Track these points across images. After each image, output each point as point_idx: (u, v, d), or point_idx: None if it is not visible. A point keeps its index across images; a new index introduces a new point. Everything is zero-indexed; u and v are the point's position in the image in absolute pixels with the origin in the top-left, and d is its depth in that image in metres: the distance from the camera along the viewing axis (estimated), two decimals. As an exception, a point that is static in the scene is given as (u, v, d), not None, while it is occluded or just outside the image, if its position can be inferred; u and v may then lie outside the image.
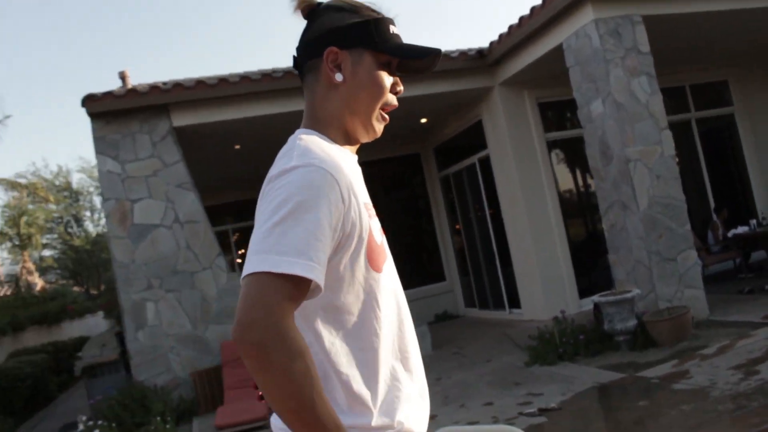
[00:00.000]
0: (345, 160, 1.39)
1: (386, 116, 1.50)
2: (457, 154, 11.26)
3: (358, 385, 1.34)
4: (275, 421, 1.42)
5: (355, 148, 1.53)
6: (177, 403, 7.65)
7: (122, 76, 9.17)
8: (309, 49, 1.47)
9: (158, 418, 6.69)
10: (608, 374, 5.95)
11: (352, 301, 1.34)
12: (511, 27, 8.44)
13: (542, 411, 5.26)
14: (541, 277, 9.20)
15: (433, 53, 1.48)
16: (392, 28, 1.47)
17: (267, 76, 8.25)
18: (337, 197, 1.26)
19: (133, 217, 7.96)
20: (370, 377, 1.36)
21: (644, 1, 7.59)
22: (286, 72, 8.27)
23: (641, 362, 6.15)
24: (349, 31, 1.43)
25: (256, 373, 1.15)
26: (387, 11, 1.51)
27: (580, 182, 10.22)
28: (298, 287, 1.19)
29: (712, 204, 10.69)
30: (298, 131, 1.45)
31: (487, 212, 10.45)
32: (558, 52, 8.06)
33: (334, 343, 1.33)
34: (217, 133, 8.82)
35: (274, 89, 8.27)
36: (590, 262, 9.64)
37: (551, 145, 9.70)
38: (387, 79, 1.47)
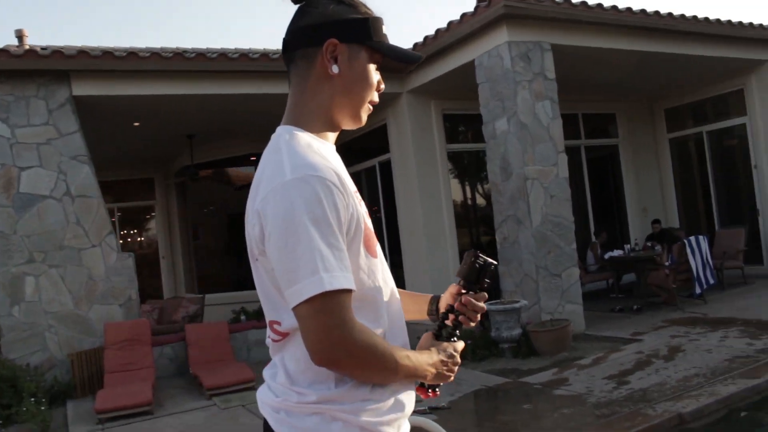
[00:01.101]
0: (331, 155, 1.43)
1: (371, 108, 1.55)
2: (358, 155, 11.41)
3: None
4: (262, 396, 1.48)
5: (335, 135, 1.55)
6: (51, 385, 7.30)
7: (19, 35, 8.68)
8: (306, 36, 1.46)
9: (32, 400, 6.37)
10: (494, 378, 6.28)
11: (361, 288, 1.38)
12: (426, 38, 8.69)
13: (432, 409, 5.44)
14: (431, 282, 9.49)
15: (418, 60, 1.56)
16: (384, 28, 1.52)
17: (178, 55, 8.06)
18: (340, 201, 1.30)
19: (19, 185, 7.53)
20: None
21: (555, 30, 8.04)
22: (198, 53, 8.12)
23: (524, 369, 6.53)
24: (351, 25, 1.46)
25: (360, 377, 1.35)
26: (375, 11, 1.54)
27: (476, 194, 10.64)
28: (348, 297, 1.28)
29: (593, 226, 11.44)
30: (282, 128, 1.45)
31: (383, 215, 10.66)
32: (469, 67, 8.39)
33: None
34: (119, 108, 8.52)
35: (186, 69, 8.08)
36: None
37: (452, 156, 10.05)
38: (376, 76, 1.52)
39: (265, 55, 8.38)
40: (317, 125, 1.47)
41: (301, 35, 1.47)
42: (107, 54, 7.73)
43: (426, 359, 1.45)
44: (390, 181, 10.27)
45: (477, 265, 1.59)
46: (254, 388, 6.97)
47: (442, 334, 1.56)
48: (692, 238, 9.01)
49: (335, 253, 1.26)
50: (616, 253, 10.14)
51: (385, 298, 1.46)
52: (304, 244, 1.24)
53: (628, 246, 10.38)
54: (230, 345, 8.24)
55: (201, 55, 8.07)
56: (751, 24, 10.00)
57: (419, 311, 1.79)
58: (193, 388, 7.35)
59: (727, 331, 7.12)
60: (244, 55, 8.22)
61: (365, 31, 1.47)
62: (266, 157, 1.40)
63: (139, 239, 14.03)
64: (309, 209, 1.25)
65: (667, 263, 9.00)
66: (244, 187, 12.09)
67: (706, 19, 9.32)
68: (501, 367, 6.70)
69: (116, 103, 8.25)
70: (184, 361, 8.11)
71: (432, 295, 1.81)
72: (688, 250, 8.83)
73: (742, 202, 11.56)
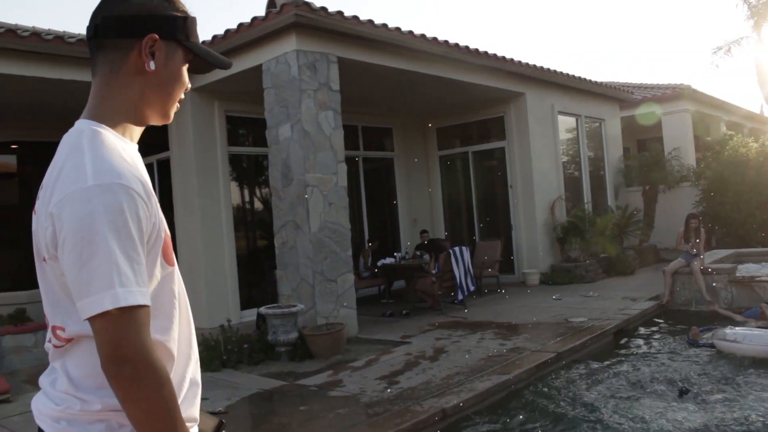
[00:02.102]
0: (136, 158, 1.40)
1: (179, 105, 1.53)
2: (135, 151, 10.83)
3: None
4: (39, 405, 1.41)
5: (140, 130, 1.51)
6: None
7: None
8: (124, 27, 1.39)
9: None
10: (271, 382, 6.30)
11: (155, 297, 1.34)
12: (215, 37, 8.54)
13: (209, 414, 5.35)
14: (207, 284, 9.30)
15: (229, 66, 1.58)
16: (197, 29, 1.51)
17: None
18: (143, 211, 1.27)
19: None
20: (176, 373, 1.43)
21: (342, 44, 8.31)
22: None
23: (300, 372, 6.64)
24: (172, 22, 1.42)
25: (130, 403, 1.22)
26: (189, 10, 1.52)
27: (254, 199, 10.61)
28: (144, 313, 1.24)
29: (367, 234, 11.94)
30: (84, 123, 1.38)
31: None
32: (256, 71, 8.38)
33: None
34: None
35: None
36: (255, 275, 10.03)
37: (233, 159, 9.94)
38: (187, 76, 1.51)
39: (36, 34, 7.65)
40: (121, 121, 1.42)
41: (118, 24, 1.40)
42: None
43: None
44: (168, 180, 9.90)
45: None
46: (8, 401, 6.31)
47: None
48: (456, 249, 9.78)
49: (134, 267, 1.23)
50: (388, 260, 10.69)
51: (178, 308, 1.43)
52: (101, 256, 1.20)
53: (399, 254, 10.99)
54: (-22, 353, 7.39)
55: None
56: (512, 59, 11.12)
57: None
58: (-72, 402, 6.49)
59: (483, 333, 7.82)
60: (11, 31, 7.45)
61: (184, 30, 1.45)
62: (64, 155, 1.32)
63: None
64: (110, 219, 1.21)
65: (433, 271, 9.67)
66: (2, 177, 10.93)
67: (477, 50, 10.20)
68: (277, 371, 6.75)
69: None
70: None
71: (219, 419, 1.73)
72: (453, 260, 9.57)
73: (499, 216, 12.79)
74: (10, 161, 10.81)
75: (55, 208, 1.24)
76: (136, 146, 1.47)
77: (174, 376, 1.39)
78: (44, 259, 1.33)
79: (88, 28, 1.43)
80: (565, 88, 13.06)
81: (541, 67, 11.96)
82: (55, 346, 1.38)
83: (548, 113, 12.68)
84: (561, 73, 12.55)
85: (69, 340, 1.34)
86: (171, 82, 1.46)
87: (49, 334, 1.40)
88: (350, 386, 5.94)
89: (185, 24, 1.45)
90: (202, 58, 1.50)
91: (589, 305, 9.18)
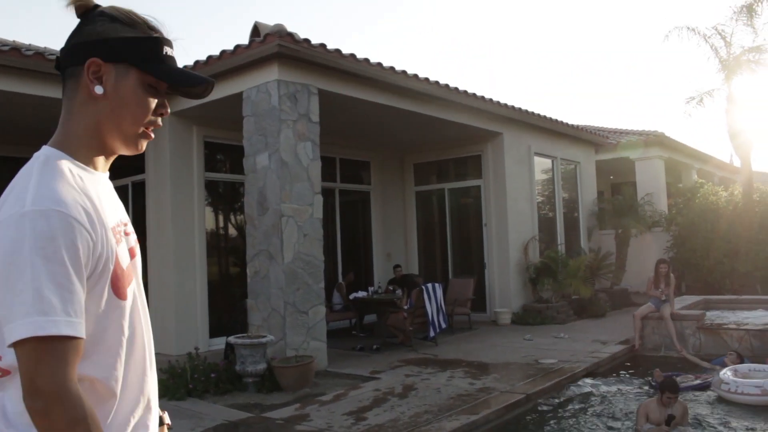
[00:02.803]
0: (91, 187, 1.35)
1: (151, 134, 1.45)
2: (111, 172, 10.71)
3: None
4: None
5: (108, 163, 1.47)
6: None
7: None
8: (73, 54, 1.38)
9: None
10: (236, 413, 6.18)
11: (98, 332, 1.29)
12: (197, 62, 8.53)
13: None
14: (176, 311, 9.16)
15: (202, 83, 1.46)
16: (167, 50, 1.42)
17: None
18: (82, 240, 1.23)
19: None
20: (118, 414, 1.36)
21: (323, 76, 8.36)
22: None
23: (267, 404, 6.53)
24: (118, 44, 1.37)
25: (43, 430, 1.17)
26: (168, 32, 1.46)
27: (228, 225, 10.53)
28: (70, 345, 1.18)
29: (341, 267, 11.88)
30: (44, 149, 1.36)
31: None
32: (236, 99, 8.38)
33: (81, 379, 1.25)
34: None
35: None
36: (226, 303, 9.90)
37: (209, 185, 9.88)
38: (150, 101, 1.41)
39: (16, 49, 7.59)
40: (84, 151, 1.39)
41: (70, 53, 1.39)
42: None
43: None
44: (143, 202, 9.79)
45: None
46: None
47: None
48: (429, 285, 9.76)
49: (64, 295, 1.17)
50: (360, 294, 10.63)
51: (126, 346, 1.36)
52: (25, 282, 1.16)
53: (372, 288, 10.93)
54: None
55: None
56: (491, 99, 11.26)
57: None
58: None
59: (453, 371, 7.77)
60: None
61: (135, 52, 1.38)
62: (17, 179, 1.29)
63: None
64: (40, 246, 1.17)
65: (405, 307, 9.63)
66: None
67: (456, 89, 10.32)
68: (244, 402, 6.62)
69: None
70: None
71: (160, 415, 1.61)
72: (425, 296, 9.54)
73: (473, 254, 12.82)
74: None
75: None
76: (104, 175, 1.45)
77: (115, 417, 1.34)
78: None
79: (55, 62, 1.44)
80: (542, 130, 13.24)
81: (520, 109, 12.12)
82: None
83: (525, 154, 12.82)
84: (539, 115, 12.73)
85: (7, 372, 1.27)
86: (125, 107, 1.38)
87: None
88: (317, 421, 5.84)
89: (137, 45, 1.38)
90: (161, 78, 1.41)
91: (560, 347, 9.19)
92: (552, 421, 6.28)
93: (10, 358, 1.23)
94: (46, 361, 1.15)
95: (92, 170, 1.39)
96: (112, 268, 1.31)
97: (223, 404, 6.55)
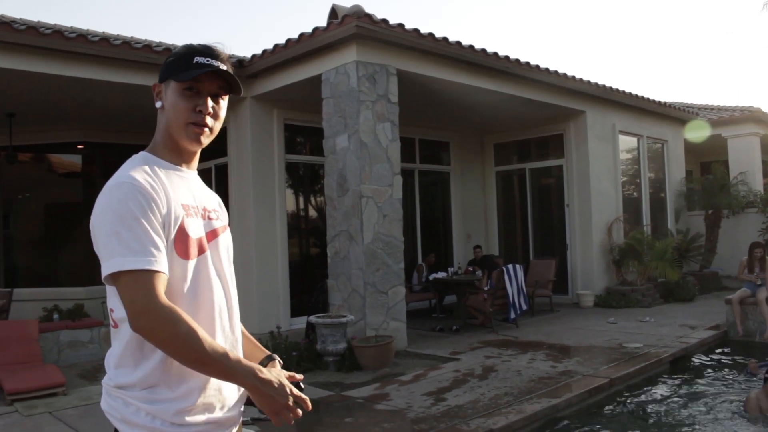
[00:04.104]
0: (166, 174, 1.72)
1: (198, 129, 1.77)
2: (195, 155, 11.02)
3: None
4: (104, 406, 1.68)
5: (191, 159, 1.86)
6: None
7: None
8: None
9: None
10: (317, 391, 6.29)
11: (171, 277, 1.62)
12: (276, 46, 8.63)
13: (255, 420, 5.36)
14: (258, 291, 9.37)
15: (205, 69, 1.73)
16: (198, 59, 1.74)
17: (5, 24, 7.32)
18: (152, 200, 1.60)
19: None
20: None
21: (401, 56, 8.31)
22: (29, 26, 7.46)
23: (347, 383, 6.61)
24: (164, 68, 1.80)
25: (159, 346, 1.53)
26: (223, 49, 1.82)
27: (308, 207, 10.67)
28: (151, 275, 1.53)
29: (420, 248, 11.86)
30: (138, 152, 1.79)
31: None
32: (315, 81, 8.44)
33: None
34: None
35: (13, 42, 7.28)
36: (306, 283, 10.06)
37: (289, 166, 10.02)
38: (187, 101, 1.76)
39: (105, 39, 7.88)
40: (164, 150, 1.80)
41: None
42: None
43: (250, 369, 1.58)
44: (225, 185, 10.03)
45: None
46: (64, 393, 6.46)
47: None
48: (510, 266, 9.62)
49: (139, 239, 1.54)
50: (440, 274, 10.59)
51: (185, 300, 1.65)
52: (109, 233, 1.54)
53: (452, 269, 10.87)
54: (39, 346, 7.53)
55: (32, 28, 7.40)
56: (573, 77, 10.94)
57: (250, 359, 1.85)
58: (-10, 392, 6.69)
59: (534, 354, 7.66)
60: (82, 36, 7.68)
61: (172, 69, 1.77)
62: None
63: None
64: (120, 205, 1.56)
65: (486, 288, 9.53)
66: (68, 176, 11.27)
67: (537, 66, 10.08)
68: (325, 380, 6.73)
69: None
70: (-17, 362, 7.36)
71: (269, 353, 2.00)
72: (506, 278, 9.42)
73: (554, 236, 12.56)
74: (75, 161, 11.14)
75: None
76: (190, 171, 1.86)
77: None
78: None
79: None
80: (627, 107, 12.79)
81: (603, 86, 11.74)
82: (112, 327, 1.68)
83: (609, 132, 12.43)
84: (623, 91, 12.30)
85: (116, 325, 1.66)
86: (171, 112, 1.77)
87: (109, 315, 1.70)
88: (397, 400, 5.87)
89: (174, 63, 1.77)
90: (176, 80, 1.75)
91: (646, 331, 8.90)
92: (637, 408, 6.10)
93: (119, 313, 1.61)
94: (135, 288, 1.51)
95: (177, 167, 1.80)
96: (175, 231, 1.65)
97: (305, 382, 6.66)
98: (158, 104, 1.80)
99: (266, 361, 1.91)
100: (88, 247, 1.77)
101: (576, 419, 5.63)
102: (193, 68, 1.73)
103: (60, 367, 7.27)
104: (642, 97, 12.91)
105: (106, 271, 1.53)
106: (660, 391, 6.60)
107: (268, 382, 1.58)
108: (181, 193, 1.72)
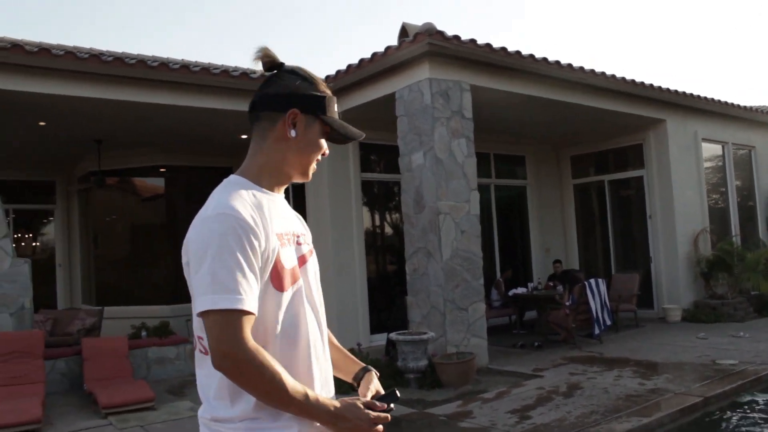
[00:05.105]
0: (263, 202, 1.66)
1: (316, 167, 1.81)
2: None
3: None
4: (202, 413, 1.63)
5: (283, 187, 1.80)
6: None
7: None
8: (273, 102, 1.73)
9: None
10: (400, 408, 6.26)
11: (262, 312, 1.56)
12: (350, 66, 8.75)
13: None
14: (338, 308, 9.44)
15: (359, 138, 1.82)
16: (336, 107, 1.80)
17: (95, 57, 7.74)
18: (253, 235, 1.53)
19: None
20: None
21: (474, 71, 8.29)
22: (116, 58, 7.84)
23: (429, 400, 6.57)
24: (311, 100, 1.74)
25: (242, 387, 1.50)
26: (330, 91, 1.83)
27: (384, 224, 10.72)
28: (240, 316, 1.48)
29: (498, 263, 11.73)
30: (229, 177, 1.71)
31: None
32: (389, 99, 8.51)
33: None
34: (24, 104, 8.03)
35: (103, 73, 7.65)
36: (385, 300, 10.09)
37: (365, 185, 10.10)
38: (322, 146, 1.78)
39: (185, 66, 8.18)
40: (264, 177, 1.73)
41: (269, 101, 1.74)
42: (17, 47, 7.28)
43: (326, 407, 1.55)
44: (303, 204, 10.20)
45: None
46: (154, 408, 6.67)
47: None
48: (592, 281, 9.40)
49: (236, 276, 1.48)
50: (520, 290, 10.44)
51: (280, 332, 1.61)
52: (205, 268, 1.49)
53: (531, 284, 10.70)
54: (129, 362, 7.85)
55: (119, 59, 7.78)
56: (651, 85, 10.65)
57: (346, 372, 1.95)
58: (87, 406, 6.96)
59: (621, 370, 7.43)
60: (164, 64, 7.99)
61: (321, 107, 1.75)
62: (209, 197, 1.66)
63: (33, 244, 13.24)
64: (219, 239, 1.50)
65: (567, 303, 9.33)
66: (151, 199, 11.72)
67: (614, 76, 9.86)
68: (406, 398, 6.71)
69: (20, 99, 7.78)
70: (79, 377, 7.68)
71: (364, 365, 1.96)
72: (589, 292, 9.20)
73: (636, 248, 12.20)
74: (158, 184, 11.57)
75: (187, 235, 1.60)
76: (280, 195, 1.78)
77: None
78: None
79: (250, 104, 1.79)
80: (709, 114, 12.36)
81: (683, 93, 11.37)
82: (201, 352, 1.63)
83: (691, 140, 12.03)
84: (705, 98, 11.88)
85: (207, 352, 1.56)
86: (308, 148, 1.75)
87: (196, 342, 1.66)
88: (480, 418, 5.80)
89: (323, 102, 1.75)
90: (336, 131, 1.78)
91: (741, 347, 8.50)
92: (735, 429, 5.82)
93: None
94: (223, 328, 1.46)
95: (269, 192, 1.72)
96: (272, 263, 1.59)
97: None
98: (293, 133, 1.71)
99: (362, 373, 1.91)
100: (172, 267, 1.79)
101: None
102: (348, 129, 1.79)
103: (148, 382, 7.51)
104: (726, 102, 12.44)
105: (197, 308, 1.50)
106: (760, 411, 6.29)
107: (341, 417, 1.56)
108: (276, 222, 1.66)
